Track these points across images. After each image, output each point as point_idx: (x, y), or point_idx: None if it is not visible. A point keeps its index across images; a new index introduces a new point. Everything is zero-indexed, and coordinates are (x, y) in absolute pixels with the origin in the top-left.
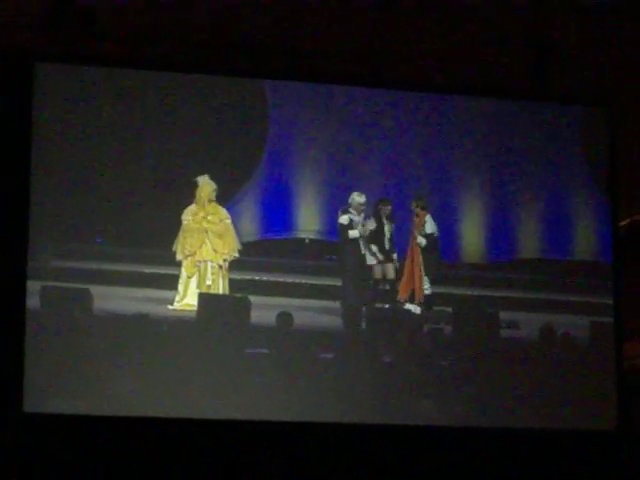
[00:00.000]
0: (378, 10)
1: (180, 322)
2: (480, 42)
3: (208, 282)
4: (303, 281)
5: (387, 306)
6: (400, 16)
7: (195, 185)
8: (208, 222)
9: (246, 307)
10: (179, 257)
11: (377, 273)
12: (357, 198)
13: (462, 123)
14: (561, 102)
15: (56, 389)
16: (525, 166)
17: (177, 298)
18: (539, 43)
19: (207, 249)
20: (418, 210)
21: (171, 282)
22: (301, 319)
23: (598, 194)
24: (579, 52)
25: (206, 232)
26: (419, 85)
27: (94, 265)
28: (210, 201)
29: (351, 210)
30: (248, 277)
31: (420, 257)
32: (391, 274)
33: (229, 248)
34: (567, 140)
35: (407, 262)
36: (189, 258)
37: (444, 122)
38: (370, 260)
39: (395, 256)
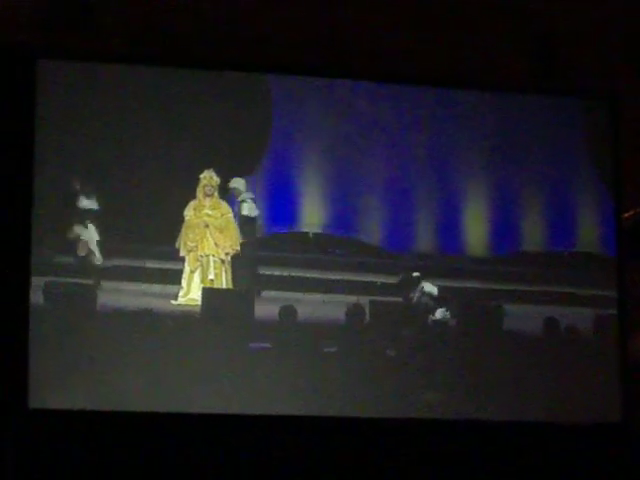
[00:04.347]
0: (381, 3)
1: (184, 317)
2: (483, 35)
3: (211, 276)
4: (307, 275)
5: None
6: (402, 9)
7: (198, 180)
8: (209, 216)
9: (249, 301)
10: (182, 253)
11: None
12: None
13: (465, 116)
14: (565, 94)
15: (60, 385)
16: (529, 159)
17: (181, 293)
18: (542, 35)
19: (208, 243)
20: None
21: (175, 277)
22: (305, 313)
23: (602, 186)
24: (583, 44)
25: (207, 226)
26: (422, 79)
27: (98, 261)
28: (209, 194)
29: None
30: (251, 271)
31: None
32: None
33: (231, 242)
34: (571, 132)
35: None
36: (191, 253)
37: (447, 116)
38: None
39: None
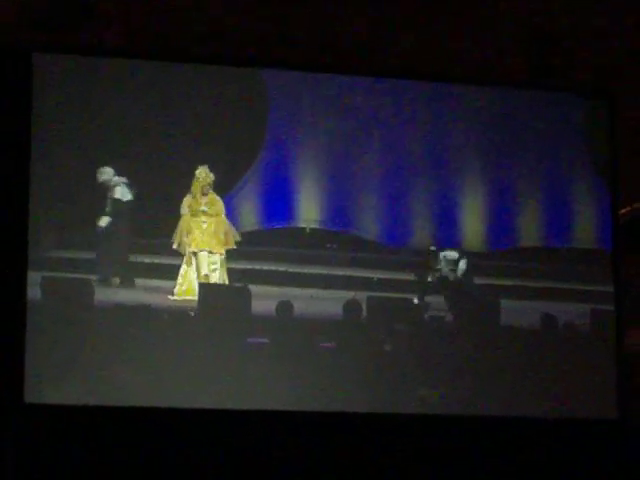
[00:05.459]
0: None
1: (181, 312)
2: (482, 31)
3: (205, 272)
4: (304, 270)
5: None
6: (401, 5)
7: (193, 176)
8: (205, 213)
9: (246, 297)
10: (177, 248)
11: None
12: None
13: (463, 112)
14: (563, 91)
15: (57, 380)
16: (526, 155)
17: (177, 288)
18: (541, 31)
19: (204, 239)
20: None
21: (172, 272)
22: (301, 308)
23: (599, 182)
24: (581, 41)
25: (203, 222)
26: (419, 74)
27: (95, 255)
28: (206, 193)
29: None
30: (248, 267)
31: None
32: None
33: (227, 239)
34: (568, 128)
35: None
36: (187, 248)
37: (445, 111)
38: None
39: None
